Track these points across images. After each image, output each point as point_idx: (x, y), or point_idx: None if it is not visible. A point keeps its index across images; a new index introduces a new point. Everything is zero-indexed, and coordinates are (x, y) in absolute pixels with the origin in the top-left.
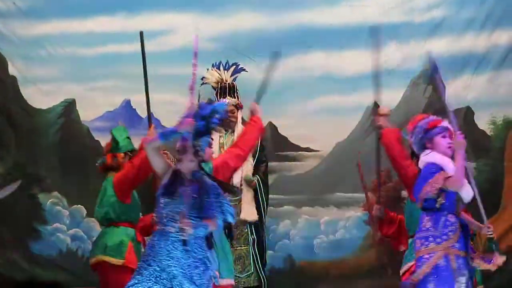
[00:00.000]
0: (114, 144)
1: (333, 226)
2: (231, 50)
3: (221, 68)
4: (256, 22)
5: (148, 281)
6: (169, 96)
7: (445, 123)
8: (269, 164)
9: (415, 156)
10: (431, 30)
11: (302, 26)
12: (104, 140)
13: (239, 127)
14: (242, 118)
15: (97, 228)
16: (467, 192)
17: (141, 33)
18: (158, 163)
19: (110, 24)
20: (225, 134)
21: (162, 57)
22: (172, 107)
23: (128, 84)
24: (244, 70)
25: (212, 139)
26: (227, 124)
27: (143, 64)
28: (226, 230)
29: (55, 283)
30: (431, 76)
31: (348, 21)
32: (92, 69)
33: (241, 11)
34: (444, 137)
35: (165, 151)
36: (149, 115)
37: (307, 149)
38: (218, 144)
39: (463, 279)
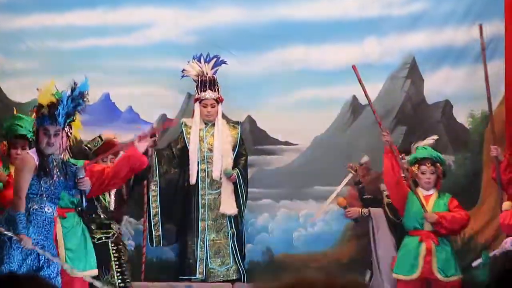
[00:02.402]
0: None
1: None
2: (211, 44)
3: (202, 60)
4: (236, 16)
5: None
6: (149, 89)
7: None
8: (248, 157)
9: None
10: (410, 24)
11: (282, 20)
12: (83, 134)
13: (220, 121)
14: (222, 112)
15: None
16: None
17: None
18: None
19: (90, 18)
20: (205, 127)
21: (141, 51)
22: (152, 99)
23: (107, 77)
24: (225, 62)
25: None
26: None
27: None
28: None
29: None
30: None
31: (327, 15)
32: (72, 63)
33: (221, 5)
34: None
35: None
36: None
37: (286, 143)
38: (198, 137)
39: None
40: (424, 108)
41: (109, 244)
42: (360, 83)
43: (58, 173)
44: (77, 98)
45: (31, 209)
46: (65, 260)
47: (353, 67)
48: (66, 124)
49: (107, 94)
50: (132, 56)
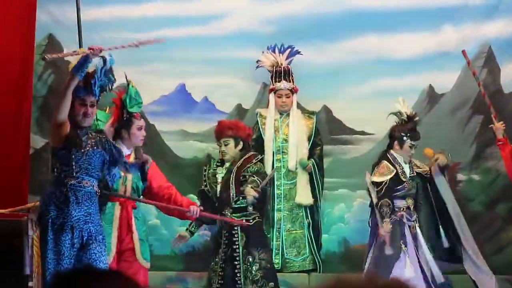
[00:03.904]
0: None
1: None
2: (286, 33)
3: (276, 51)
4: (311, 5)
5: None
6: (225, 79)
7: None
8: (324, 147)
9: None
10: (486, 12)
11: (357, 9)
12: (159, 124)
13: (295, 111)
14: (298, 102)
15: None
16: None
17: None
18: (66, 108)
19: (164, 9)
20: (280, 117)
21: (217, 41)
22: (227, 89)
23: (182, 68)
24: (299, 53)
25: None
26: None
27: None
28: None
29: None
30: None
31: (403, 3)
32: (147, 54)
33: None
34: None
35: None
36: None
37: (362, 132)
38: (273, 127)
39: None
40: (501, 98)
41: (222, 230)
42: (469, 67)
43: (93, 143)
44: (108, 72)
45: (68, 184)
46: (141, 252)
47: (463, 52)
48: (99, 96)
49: (183, 84)
50: (207, 46)
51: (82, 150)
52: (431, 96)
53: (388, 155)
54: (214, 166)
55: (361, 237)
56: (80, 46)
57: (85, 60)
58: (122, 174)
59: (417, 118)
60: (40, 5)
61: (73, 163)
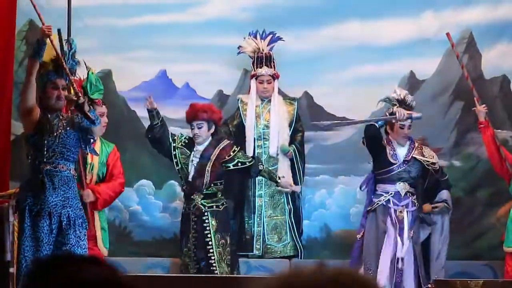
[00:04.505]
0: None
1: None
2: (267, 19)
3: (258, 37)
4: None
5: None
6: (206, 66)
7: None
8: (305, 133)
9: None
10: None
11: None
12: (140, 110)
13: (276, 97)
14: (279, 89)
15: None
16: None
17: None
18: (32, 93)
19: None
20: (261, 104)
21: (198, 27)
22: (208, 76)
23: (163, 54)
24: (281, 39)
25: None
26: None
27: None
28: None
29: None
30: None
31: None
32: (128, 40)
33: None
34: None
35: None
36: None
37: (343, 119)
38: (255, 113)
39: None
40: (482, 83)
41: (190, 215)
42: (453, 49)
43: (65, 125)
44: (73, 55)
45: (44, 170)
46: (102, 240)
47: (447, 34)
48: (68, 79)
49: (164, 70)
50: (189, 32)
51: (55, 134)
52: (412, 82)
53: (385, 139)
54: (180, 144)
55: (342, 223)
56: (69, 33)
57: (40, 44)
58: (90, 160)
59: (409, 101)
60: None
61: (46, 149)
